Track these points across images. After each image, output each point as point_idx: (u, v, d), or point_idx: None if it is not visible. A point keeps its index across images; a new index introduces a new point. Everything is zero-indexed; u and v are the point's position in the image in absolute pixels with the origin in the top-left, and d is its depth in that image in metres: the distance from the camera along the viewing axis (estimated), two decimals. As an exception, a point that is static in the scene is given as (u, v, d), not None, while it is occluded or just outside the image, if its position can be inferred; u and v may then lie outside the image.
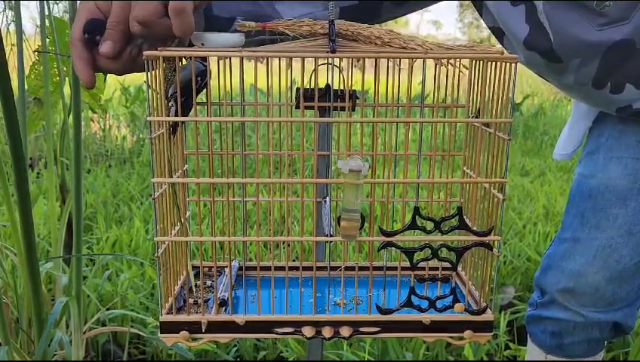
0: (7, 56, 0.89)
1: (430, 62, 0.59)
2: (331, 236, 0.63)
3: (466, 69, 0.64)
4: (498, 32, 0.91)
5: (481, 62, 0.65)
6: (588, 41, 0.80)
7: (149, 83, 0.57)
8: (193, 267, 0.75)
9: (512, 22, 0.84)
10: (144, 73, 0.57)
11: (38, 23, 1.36)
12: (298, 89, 0.71)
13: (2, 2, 1.64)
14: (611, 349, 1.50)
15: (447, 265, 0.65)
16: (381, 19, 0.89)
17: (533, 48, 0.84)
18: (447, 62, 0.63)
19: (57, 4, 1.50)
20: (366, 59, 0.59)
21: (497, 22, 0.88)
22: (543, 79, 0.94)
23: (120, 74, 0.64)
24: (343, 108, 0.70)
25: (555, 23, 0.80)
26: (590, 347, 1.02)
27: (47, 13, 1.36)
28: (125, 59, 0.62)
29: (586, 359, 1.03)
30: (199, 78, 0.63)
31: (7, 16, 1.67)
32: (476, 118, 0.67)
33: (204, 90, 0.66)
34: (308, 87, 0.69)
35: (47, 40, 1.38)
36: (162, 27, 0.57)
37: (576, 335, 1.00)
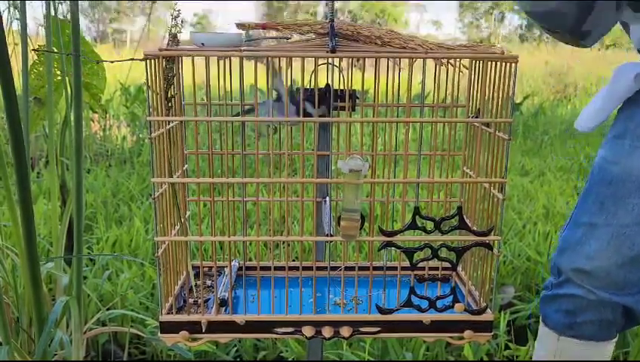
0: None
1: (430, 62, 0.59)
2: (331, 236, 0.63)
3: (466, 68, 0.64)
4: None
5: (481, 62, 0.65)
6: None
7: (149, 83, 0.57)
8: (193, 267, 0.75)
9: None
10: (144, 73, 0.57)
11: (41, 23, 1.36)
12: (298, 89, 0.71)
13: (6, 1, 1.64)
14: (611, 349, 1.50)
15: (447, 265, 0.65)
16: None
17: None
18: (447, 62, 0.63)
19: (61, 4, 1.49)
20: (366, 59, 0.59)
21: None
22: None
23: None
24: (343, 108, 0.70)
25: None
26: (602, 329, 1.03)
27: (52, 13, 1.36)
28: None
29: (597, 342, 1.04)
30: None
31: (10, 15, 1.66)
32: (476, 117, 0.67)
33: (204, 90, 0.66)
34: (308, 86, 0.70)
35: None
36: None
37: (589, 314, 1.02)
